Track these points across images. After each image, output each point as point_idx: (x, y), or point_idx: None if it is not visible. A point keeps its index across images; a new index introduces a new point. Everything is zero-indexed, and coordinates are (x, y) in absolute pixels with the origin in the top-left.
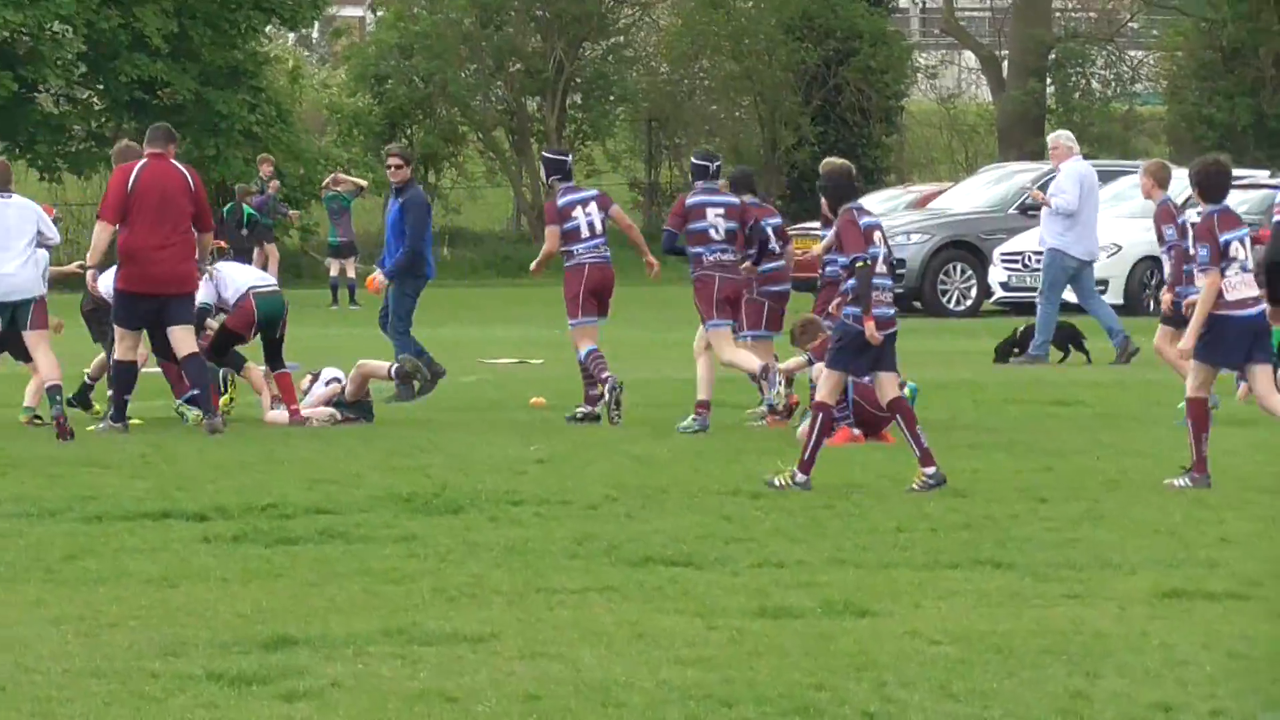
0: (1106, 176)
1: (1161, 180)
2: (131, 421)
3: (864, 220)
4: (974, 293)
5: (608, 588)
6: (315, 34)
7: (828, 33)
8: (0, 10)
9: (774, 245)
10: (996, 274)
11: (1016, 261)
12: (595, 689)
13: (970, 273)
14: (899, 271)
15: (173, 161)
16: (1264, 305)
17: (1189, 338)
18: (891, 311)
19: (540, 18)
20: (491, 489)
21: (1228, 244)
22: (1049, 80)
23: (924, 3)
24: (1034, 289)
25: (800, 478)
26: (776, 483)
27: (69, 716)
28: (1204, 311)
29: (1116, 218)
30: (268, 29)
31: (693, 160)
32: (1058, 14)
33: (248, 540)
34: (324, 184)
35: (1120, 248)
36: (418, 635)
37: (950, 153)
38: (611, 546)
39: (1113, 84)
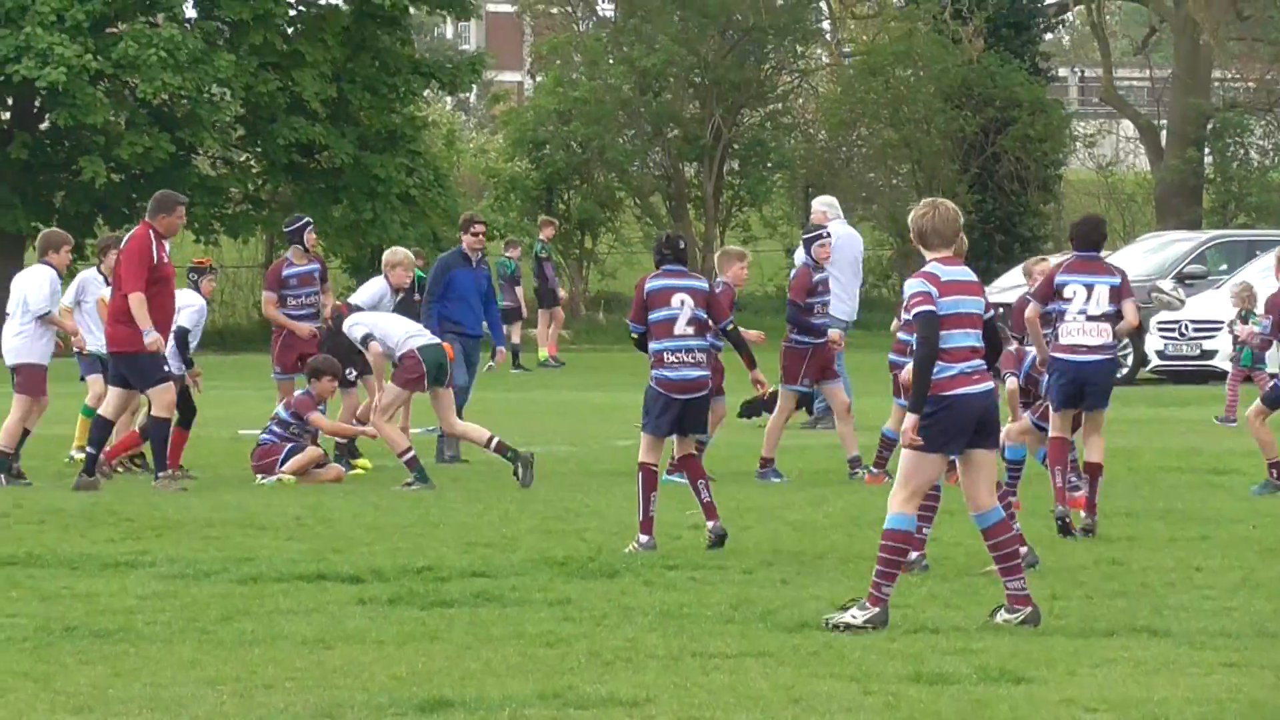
0: (1265, 245)
1: None
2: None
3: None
4: (1130, 360)
5: (763, 653)
6: (473, 98)
7: (986, 101)
8: (159, 73)
9: None
10: (1153, 342)
11: (1173, 330)
12: None
13: (1126, 341)
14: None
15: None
16: None
17: None
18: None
19: (699, 84)
20: (647, 554)
21: None
22: (1207, 149)
23: (1083, 72)
24: (1190, 357)
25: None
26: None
27: None
28: None
29: (1275, 288)
30: (425, 93)
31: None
32: (1216, 84)
33: (403, 602)
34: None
35: None
36: (572, 699)
37: (1108, 221)
38: (767, 612)
39: (1271, 153)
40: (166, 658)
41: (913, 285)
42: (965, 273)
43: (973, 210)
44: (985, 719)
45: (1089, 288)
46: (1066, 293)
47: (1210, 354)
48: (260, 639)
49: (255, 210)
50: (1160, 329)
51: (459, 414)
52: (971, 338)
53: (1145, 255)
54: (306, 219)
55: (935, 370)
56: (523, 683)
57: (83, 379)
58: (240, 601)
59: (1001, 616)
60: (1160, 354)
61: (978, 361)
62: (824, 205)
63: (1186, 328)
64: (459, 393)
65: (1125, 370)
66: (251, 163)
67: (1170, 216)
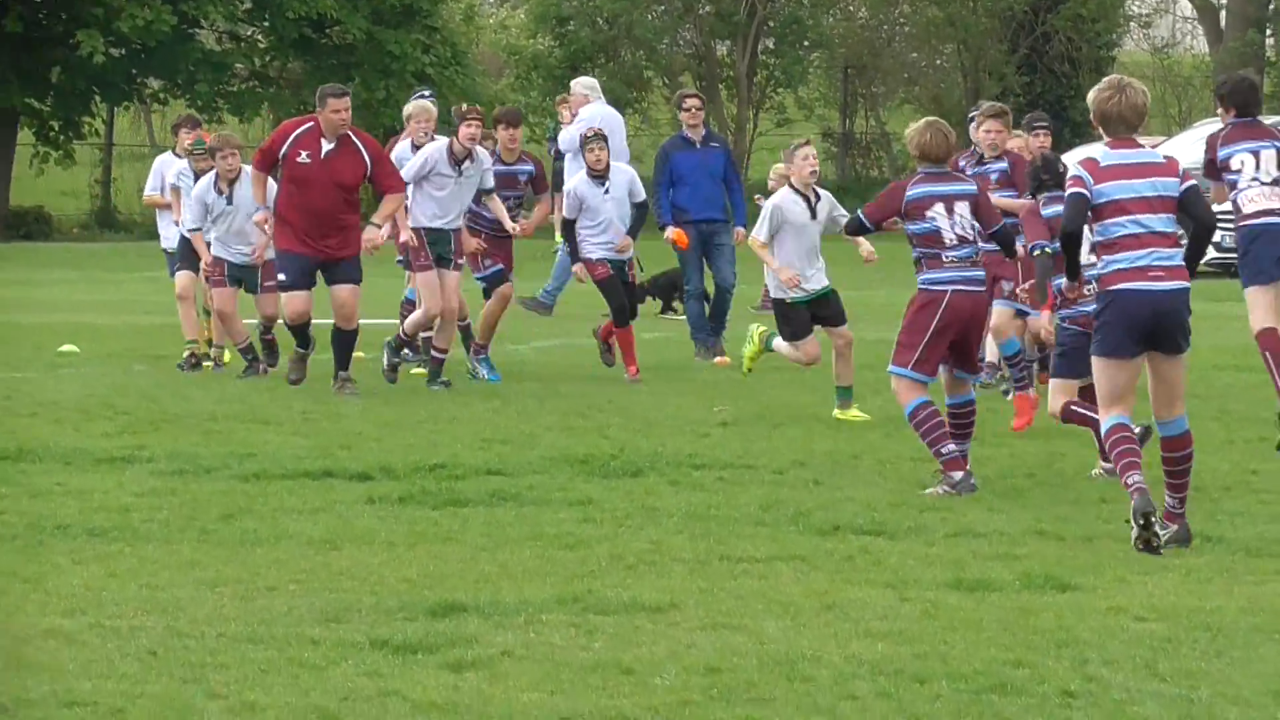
0: None
1: None
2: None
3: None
4: None
5: (794, 557)
6: None
7: None
8: None
9: None
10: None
11: (1231, 222)
12: (780, 662)
13: (1182, 232)
14: None
15: None
16: None
17: None
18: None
19: None
20: (673, 452)
21: None
22: (1269, 30)
23: None
24: None
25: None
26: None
27: (224, 684)
28: None
29: None
30: None
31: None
32: None
33: (414, 502)
34: None
35: None
36: (593, 604)
37: (1164, 106)
38: (799, 514)
39: None
40: (164, 558)
41: (1072, 171)
42: (1139, 155)
43: (1021, 93)
44: (1029, 628)
45: (1255, 154)
46: (1234, 164)
47: None
48: (263, 539)
49: (262, 88)
50: (1219, 219)
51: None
52: (1138, 225)
53: (1202, 142)
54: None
55: (1102, 264)
56: (541, 587)
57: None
58: (242, 499)
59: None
60: (1217, 246)
61: (1160, 253)
62: (585, 89)
63: None
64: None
65: None
66: (259, 38)
67: None
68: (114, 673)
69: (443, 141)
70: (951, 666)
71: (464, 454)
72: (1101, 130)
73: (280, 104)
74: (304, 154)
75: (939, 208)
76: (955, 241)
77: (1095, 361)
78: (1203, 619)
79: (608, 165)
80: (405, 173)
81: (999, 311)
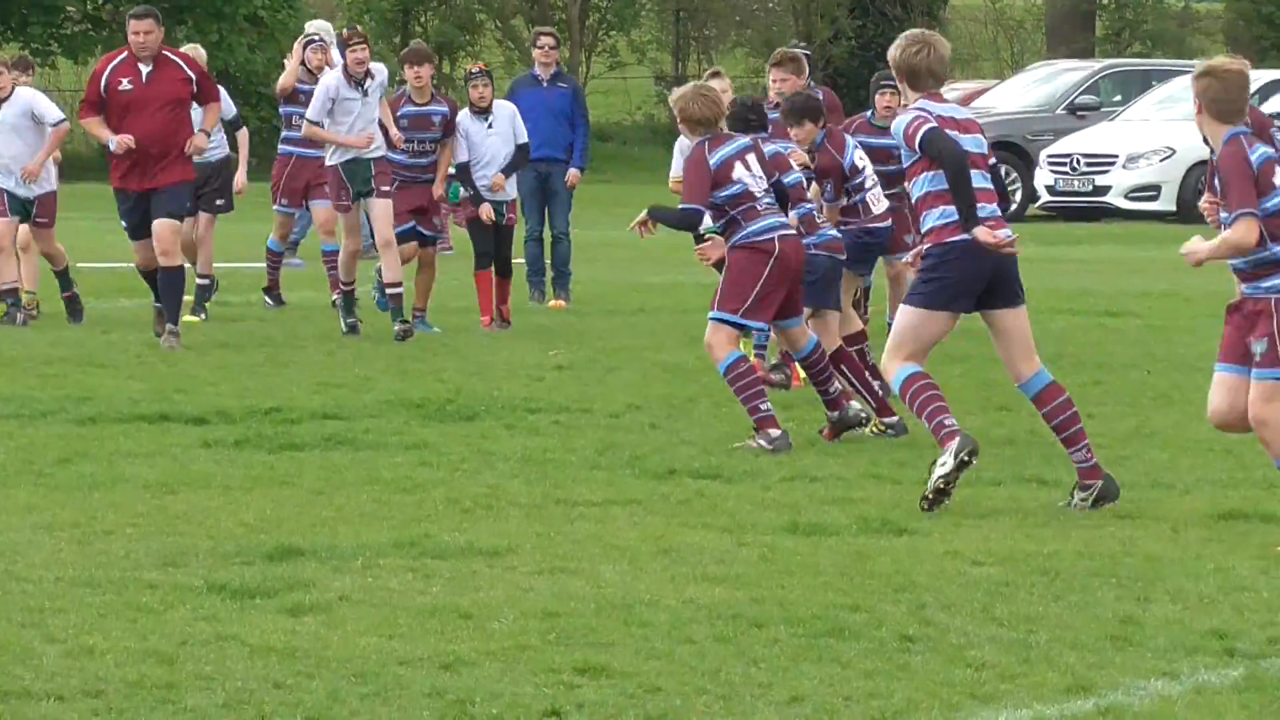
0: (1161, 76)
1: None
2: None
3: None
4: (1019, 196)
5: (631, 500)
6: None
7: None
8: None
9: None
10: (1043, 177)
11: (1064, 164)
12: (617, 606)
13: (1015, 175)
14: None
15: None
16: None
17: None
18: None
19: None
20: (508, 396)
21: None
22: None
23: None
24: (1082, 193)
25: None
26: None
27: (62, 628)
28: None
29: (1169, 121)
30: None
31: None
32: None
33: (250, 446)
34: None
35: (1174, 151)
36: (430, 548)
37: (995, 49)
38: (635, 457)
39: None
40: (0, 502)
41: (904, 120)
42: (959, 110)
43: (853, 36)
44: (866, 572)
45: None
46: None
47: (1103, 190)
48: (100, 482)
49: (95, 31)
50: (1051, 163)
51: None
52: (980, 178)
53: (1035, 86)
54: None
55: (936, 216)
56: (377, 531)
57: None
58: (78, 443)
59: (1076, 501)
60: (1050, 189)
61: (990, 207)
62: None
63: (1078, 162)
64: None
65: (1014, 206)
66: None
67: (1061, 45)
68: None
69: (337, 70)
70: (789, 611)
71: (300, 397)
72: (908, 85)
73: (112, 46)
74: (124, 81)
75: (739, 167)
76: (762, 193)
77: (915, 313)
78: (1039, 563)
79: (491, 101)
80: (312, 110)
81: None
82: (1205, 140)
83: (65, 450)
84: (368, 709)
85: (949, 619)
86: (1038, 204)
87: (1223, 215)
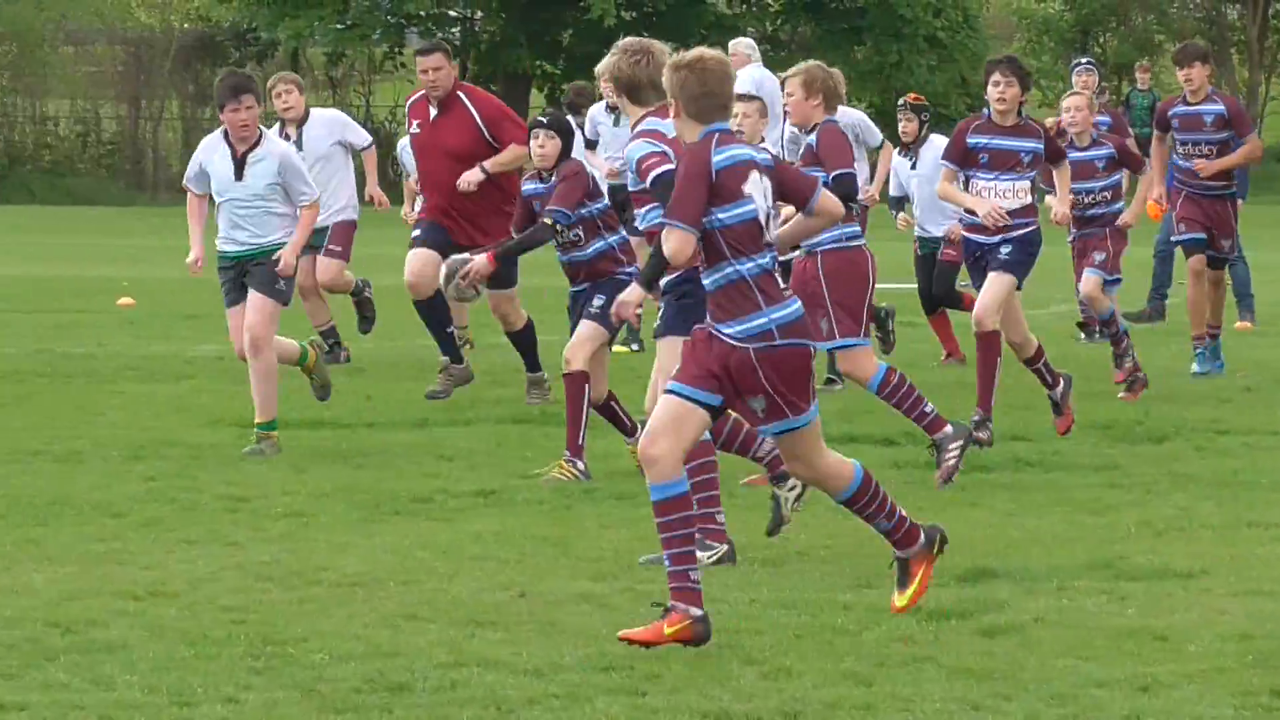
0: None
1: None
2: None
3: None
4: None
5: None
6: None
7: None
8: None
9: None
10: None
11: None
12: None
13: None
14: None
15: None
16: None
17: None
18: None
19: None
20: (1196, 418)
21: None
22: None
23: None
24: None
25: None
26: None
27: (759, 649)
28: None
29: None
30: None
31: None
32: None
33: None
34: None
35: None
36: (1124, 570)
37: None
38: None
39: None
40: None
41: (638, 148)
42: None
43: None
44: None
45: None
46: None
47: None
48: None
49: (774, 51)
50: None
51: None
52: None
53: None
54: None
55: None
56: (1070, 553)
57: None
58: None
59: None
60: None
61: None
62: (746, 48)
63: None
64: None
65: None
66: (770, 1)
67: None
68: None
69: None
70: None
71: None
72: (627, 98)
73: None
74: (415, 124)
75: None
76: None
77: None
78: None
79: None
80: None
81: (1089, 279)
82: None
83: None
84: None
85: None
86: None
87: None
